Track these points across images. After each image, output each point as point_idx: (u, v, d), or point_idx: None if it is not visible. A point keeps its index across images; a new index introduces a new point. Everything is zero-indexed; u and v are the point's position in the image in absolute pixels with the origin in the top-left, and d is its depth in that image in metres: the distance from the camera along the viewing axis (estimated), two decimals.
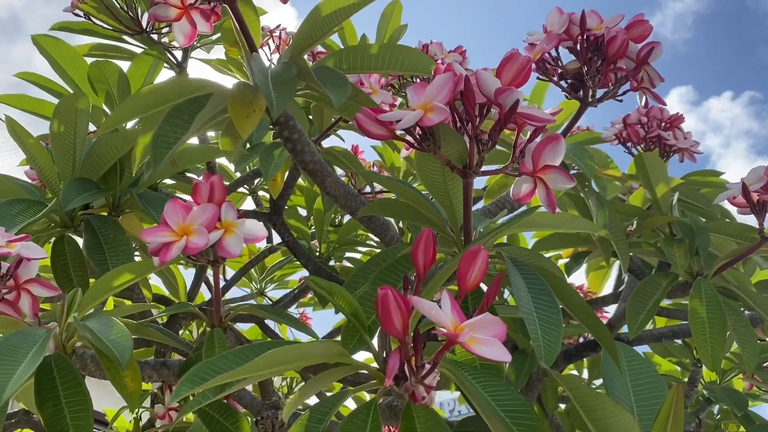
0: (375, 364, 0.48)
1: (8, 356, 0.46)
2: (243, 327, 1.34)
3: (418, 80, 1.00)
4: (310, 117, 1.03)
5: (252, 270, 1.50)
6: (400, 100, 1.18)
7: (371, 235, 1.35)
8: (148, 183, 0.83)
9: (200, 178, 0.52)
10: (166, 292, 1.30)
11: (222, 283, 1.25)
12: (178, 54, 1.22)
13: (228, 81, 1.10)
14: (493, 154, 0.74)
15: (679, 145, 1.02)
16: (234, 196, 1.45)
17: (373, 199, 0.85)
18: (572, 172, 0.70)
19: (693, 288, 0.67)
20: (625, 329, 0.89)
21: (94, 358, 0.57)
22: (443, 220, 0.56)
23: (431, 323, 0.44)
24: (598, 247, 0.74)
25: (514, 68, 0.47)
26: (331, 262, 1.31)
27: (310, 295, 1.50)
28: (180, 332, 1.01)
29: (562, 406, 1.12)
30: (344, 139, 1.22)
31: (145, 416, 1.11)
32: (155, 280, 1.36)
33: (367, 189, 1.32)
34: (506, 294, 1.08)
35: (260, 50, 1.17)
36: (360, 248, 1.29)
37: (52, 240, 0.81)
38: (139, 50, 1.18)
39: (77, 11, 1.26)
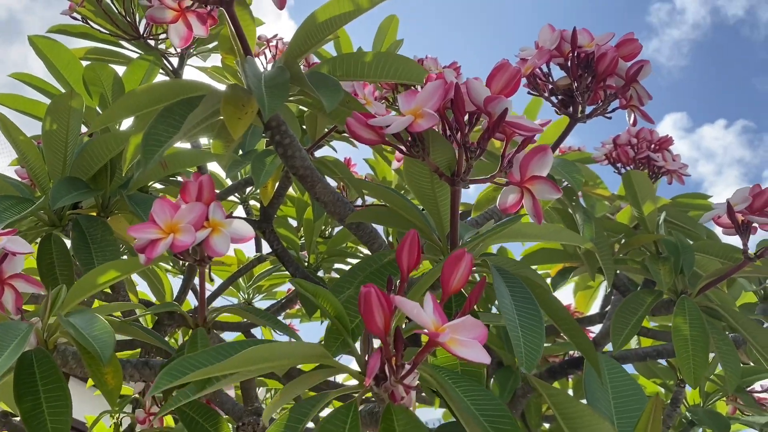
0: (357, 368, 0.48)
1: None
2: (229, 337, 1.34)
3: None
4: (304, 127, 1.04)
5: (239, 279, 1.50)
6: (393, 113, 1.19)
7: (360, 247, 1.35)
8: (138, 184, 0.83)
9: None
10: (152, 299, 1.30)
11: (209, 292, 1.25)
12: (175, 61, 1.22)
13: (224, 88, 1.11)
14: (482, 166, 0.75)
15: (668, 166, 1.03)
16: (225, 205, 1.45)
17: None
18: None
19: (677, 305, 0.68)
20: (609, 348, 0.89)
21: (75, 355, 0.57)
22: (431, 228, 0.56)
23: (413, 327, 0.45)
24: (585, 263, 0.75)
25: (504, 78, 0.48)
26: (320, 273, 1.31)
27: (297, 306, 1.49)
28: (166, 339, 1.01)
29: (546, 425, 1.11)
30: (337, 150, 1.22)
31: (126, 422, 1.11)
32: (143, 287, 1.35)
33: (359, 202, 1.32)
34: (493, 311, 1.09)
35: (257, 59, 1.18)
36: (350, 260, 1.29)
37: (39, 240, 0.81)
38: (135, 55, 1.19)
39: (75, 15, 1.27)
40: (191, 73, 1.28)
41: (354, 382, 0.48)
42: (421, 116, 0.46)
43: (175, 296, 1.31)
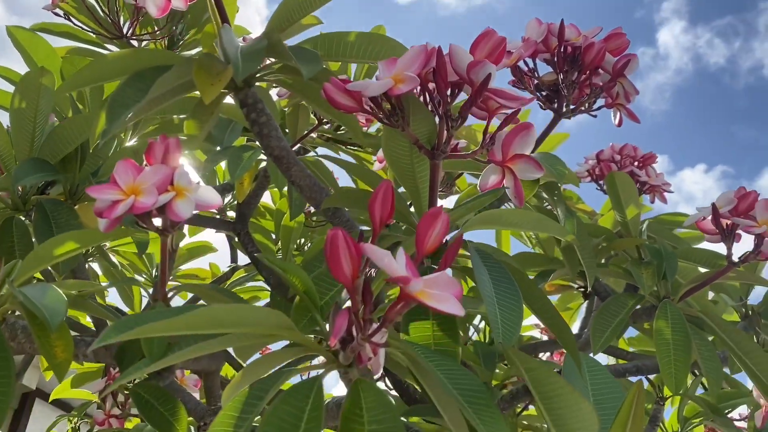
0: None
1: None
2: None
3: None
4: (287, 131, 1.02)
5: None
6: (378, 125, 1.17)
7: None
8: (109, 171, 0.80)
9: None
10: (125, 309, 1.26)
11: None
12: None
13: None
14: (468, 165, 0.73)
15: (651, 182, 1.02)
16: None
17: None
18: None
19: (659, 309, 0.66)
20: None
21: (25, 329, 0.54)
22: (408, 210, 0.54)
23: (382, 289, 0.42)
24: (565, 264, 0.72)
25: (488, 45, 0.46)
26: None
27: None
28: None
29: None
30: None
31: (84, 428, 1.06)
32: (113, 297, 1.31)
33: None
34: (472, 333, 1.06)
35: None
36: None
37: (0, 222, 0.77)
38: None
39: (57, 11, 1.25)
40: None
41: (321, 359, 0.45)
42: (401, 80, 0.44)
43: (143, 306, 1.27)
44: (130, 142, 0.92)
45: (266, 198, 1.45)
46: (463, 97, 0.49)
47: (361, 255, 0.32)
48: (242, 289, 1.43)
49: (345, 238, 0.31)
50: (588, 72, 0.64)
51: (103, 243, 1.06)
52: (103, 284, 0.94)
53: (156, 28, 1.17)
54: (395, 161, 0.50)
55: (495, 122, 0.51)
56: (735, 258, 0.67)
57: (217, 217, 1.20)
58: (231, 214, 1.47)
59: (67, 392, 1.14)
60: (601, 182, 1.12)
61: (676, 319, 0.65)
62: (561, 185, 0.67)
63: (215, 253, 1.56)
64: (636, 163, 1.09)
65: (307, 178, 0.63)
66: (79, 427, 1.02)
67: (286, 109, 0.99)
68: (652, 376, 0.99)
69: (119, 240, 1.21)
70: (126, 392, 0.80)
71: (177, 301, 1.30)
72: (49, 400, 1.33)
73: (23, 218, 0.78)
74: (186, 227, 1.32)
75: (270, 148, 0.61)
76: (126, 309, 1.24)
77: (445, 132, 0.47)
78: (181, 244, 1.44)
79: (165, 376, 0.57)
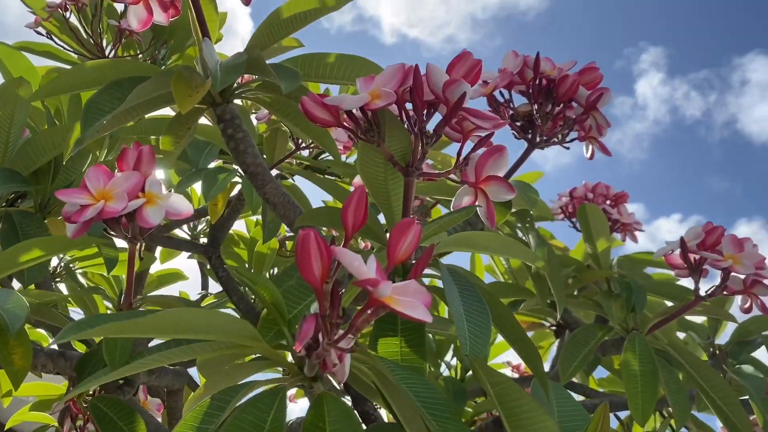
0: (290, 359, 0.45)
1: None
2: None
3: None
4: (264, 156, 1.02)
5: None
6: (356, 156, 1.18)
7: None
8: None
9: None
10: None
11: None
12: None
13: None
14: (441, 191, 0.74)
15: (623, 220, 1.04)
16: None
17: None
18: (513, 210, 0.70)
19: (627, 340, 0.66)
20: None
21: None
22: (380, 227, 0.54)
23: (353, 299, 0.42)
24: (536, 293, 0.73)
25: (464, 67, 0.47)
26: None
27: None
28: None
29: None
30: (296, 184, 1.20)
31: None
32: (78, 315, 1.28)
33: None
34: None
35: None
36: None
37: None
38: None
39: (39, 29, 1.25)
40: None
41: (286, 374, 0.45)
42: (378, 96, 0.45)
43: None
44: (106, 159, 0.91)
45: (241, 227, 1.45)
46: (439, 118, 0.50)
47: (332, 257, 0.32)
48: None
49: (317, 239, 0.31)
50: (562, 104, 0.65)
51: (70, 256, 1.05)
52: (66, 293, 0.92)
53: (138, 51, 1.18)
54: (369, 177, 0.50)
55: (469, 145, 0.52)
56: (702, 292, 0.68)
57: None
58: (204, 240, 1.46)
59: (25, 416, 1.10)
60: (573, 220, 1.13)
61: (644, 351, 0.65)
62: (533, 213, 0.68)
63: (186, 281, 1.54)
64: (608, 202, 1.11)
65: (282, 196, 0.63)
66: None
67: (264, 134, 1.00)
68: (622, 415, 0.98)
69: (88, 261, 1.20)
70: (85, 406, 0.78)
71: None
72: (5, 430, 1.28)
73: None
74: (158, 252, 1.31)
75: (245, 165, 0.61)
76: None
77: (420, 149, 0.48)
78: (152, 270, 1.42)
79: (126, 391, 0.56)
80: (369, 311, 0.33)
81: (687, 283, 0.72)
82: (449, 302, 0.44)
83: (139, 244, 0.49)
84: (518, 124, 0.70)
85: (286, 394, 0.40)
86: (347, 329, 0.33)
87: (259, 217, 1.50)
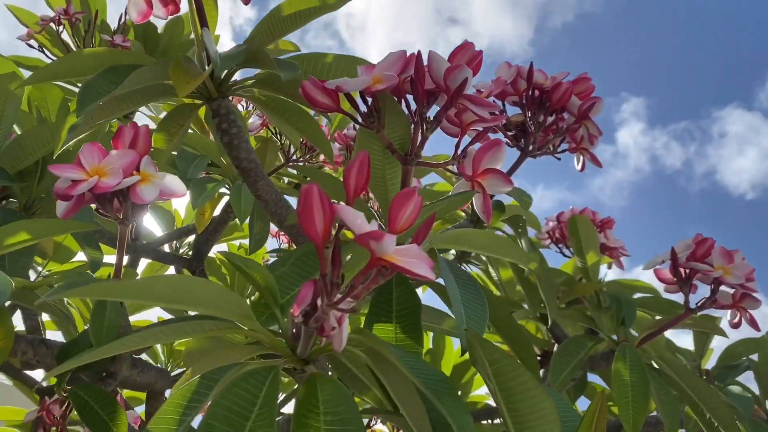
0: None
1: None
2: None
3: None
4: None
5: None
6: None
7: None
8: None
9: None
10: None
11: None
12: None
13: None
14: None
15: (609, 244, 1.04)
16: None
17: None
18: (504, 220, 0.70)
19: (618, 351, 0.65)
20: None
21: None
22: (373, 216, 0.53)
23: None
24: (527, 301, 0.72)
25: (466, 56, 0.47)
26: None
27: None
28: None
29: None
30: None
31: None
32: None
33: None
34: None
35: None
36: None
37: None
38: None
39: (31, 42, 1.25)
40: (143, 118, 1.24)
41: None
42: (379, 80, 0.45)
43: None
44: None
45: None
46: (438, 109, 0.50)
47: (334, 213, 0.31)
48: None
49: (320, 194, 0.31)
50: (555, 113, 0.66)
51: (48, 270, 1.02)
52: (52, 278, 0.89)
53: None
54: None
55: (466, 140, 0.52)
56: (692, 305, 0.68)
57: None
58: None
59: None
60: (561, 246, 1.14)
61: (634, 361, 0.64)
62: (525, 219, 0.68)
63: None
64: (595, 228, 1.11)
65: (274, 193, 0.62)
66: None
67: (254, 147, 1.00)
68: None
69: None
70: (65, 395, 0.75)
71: None
72: None
73: None
74: (141, 267, 1.29)
75: (239, 160, 0.61)
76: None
77: (419, 137, 0.48)
78: None
79: (108, 383, 0.54)
80: (371, 273, 0.32)
81: (676, 298, 0.72)
82: (446, 286, 0.43)
83: (130, 226, 0.48)
84: (511, 133, 0.70)
85: (279, 372, 0.39)
86: (347, 292, 0.33)
87: (243, 240, 1.49)
